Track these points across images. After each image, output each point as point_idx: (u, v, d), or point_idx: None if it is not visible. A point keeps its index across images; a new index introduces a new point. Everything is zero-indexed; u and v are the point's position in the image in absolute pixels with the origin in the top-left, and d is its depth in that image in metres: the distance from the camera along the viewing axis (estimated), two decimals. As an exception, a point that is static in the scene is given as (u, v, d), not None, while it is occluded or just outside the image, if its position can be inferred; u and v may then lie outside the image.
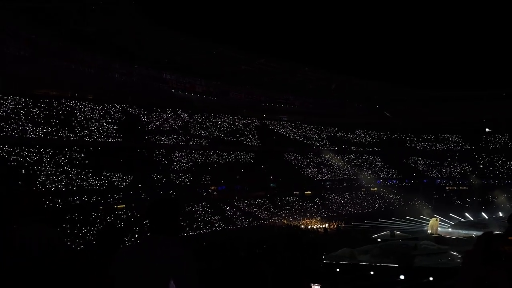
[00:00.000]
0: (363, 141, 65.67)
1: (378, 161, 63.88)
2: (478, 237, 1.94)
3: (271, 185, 52.26)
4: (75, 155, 37.93)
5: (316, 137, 62.39)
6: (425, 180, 61.29)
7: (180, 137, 47.75)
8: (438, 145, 65.00)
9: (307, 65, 54.43)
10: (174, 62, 47.90)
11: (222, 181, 47.69)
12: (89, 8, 36.37)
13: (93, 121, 41.50)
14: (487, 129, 64.42)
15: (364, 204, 54.45)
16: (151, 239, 3.01)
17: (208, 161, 48.60)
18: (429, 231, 38.35)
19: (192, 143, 48.49)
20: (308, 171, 56.33)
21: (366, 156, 64.00)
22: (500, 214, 47.92)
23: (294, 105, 62.20)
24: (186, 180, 44.18)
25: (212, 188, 46.78)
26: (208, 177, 46.52)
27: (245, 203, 46.65)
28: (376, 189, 58.64)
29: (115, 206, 37.21)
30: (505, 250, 1.83)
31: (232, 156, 51.30)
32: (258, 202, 47.69)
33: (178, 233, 3.20)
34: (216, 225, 40.37)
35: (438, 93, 63.20)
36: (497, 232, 1.91)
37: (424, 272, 21.33)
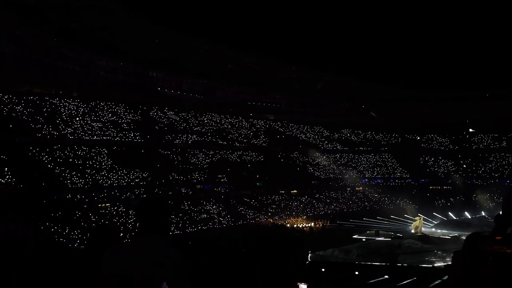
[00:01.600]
0: (349, 140, 66.20)
1: (363, 161, 64.41)
2: (466, 237, 1.97)
3: (257, 184, 52.29)
4: (59, 153, 37.51)
5: (303, 136, 62.65)
6: (409, 180, 61.98)
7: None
8: (423, 145, 65.81)
9: (295, 64, 54.48)
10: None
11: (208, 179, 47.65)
12: (74, 5, 35.95)
13: (79, 118, 41.12)
14: (470, 130, 65.41)
15: (349, 203, 54.84)
16: (143, 238, 3.00)
17: (194, 159, 48.45)
18: (412, 231, 38.80)
19: (178, 141, 48.31)
20: (295, 170, 56.49)
21: (351, 155, 64.47)
22: (483, 213, 48.72)
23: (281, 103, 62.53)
24: (171, 178, 43.98)
25: (199, 186, 46.64)
26: (195, 175, 46.43)
27: (231, 201, 46.58)
28: (361, 188, 59.13)
29: (100, 205, 36.84)
30: (494, 250, 1.85)
31: (218, 155, 51.19)
32: (244, 200, 47.67)
33: (167, 232, 3.19)
34: (202, 223, 40.23)
35: (425, 93, 63.91)
36: (485, 233, 1.93)
37: (407, 271, 21.59)
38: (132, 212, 34.35)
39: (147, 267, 2.75)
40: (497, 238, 1.85)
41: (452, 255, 2.03)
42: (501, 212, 1.97)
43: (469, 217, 47.94)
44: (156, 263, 2.78)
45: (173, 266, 2.79)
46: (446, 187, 60.39)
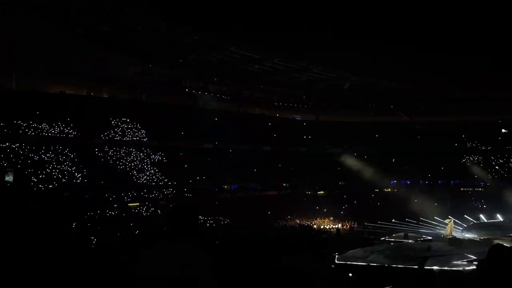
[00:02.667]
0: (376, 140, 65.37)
1: (391, 161, 63.42)
2: (489, 249, 2.03)
3: (283, 184, 52.35)
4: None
5: (329, 136, 62.25)
6: (440, 181, 60.70)
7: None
8: (455, 145, 64.30)
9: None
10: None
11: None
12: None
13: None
14: (503, 130, 63.55)
15: (378, 204, 54.11)
16: (175, 241, 3.15)
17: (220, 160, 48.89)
18: (444, 233, 38.07)
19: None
20: (322, 170, 56.15)
21: (379, 156, 63.60)
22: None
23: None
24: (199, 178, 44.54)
25: (225, 187, 47.11)
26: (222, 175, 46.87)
27: (258, 201, 46.79)
28: (389, 190, 58.29)
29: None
30: None
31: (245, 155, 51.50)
32: (270, 201, 47.78)
33: (197, 235, 3.35)
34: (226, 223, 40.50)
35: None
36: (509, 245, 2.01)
37: (436, 274, 21.22)
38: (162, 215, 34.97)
39: (179, 269, 2.90)
40: None
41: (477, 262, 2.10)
42: None
43: (501, 219, 46.60)
44: (187, 265, 2.93)
45: (203, 267, 2.94)
46: (478, 189, 58.91)
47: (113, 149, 42.10)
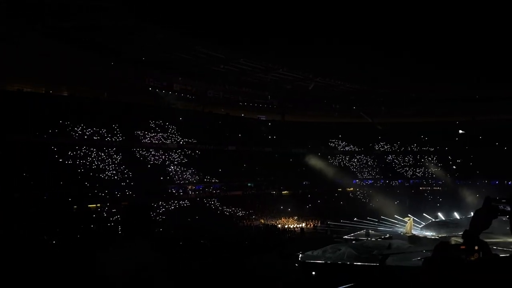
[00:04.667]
0: (340, 141, 66.64)
1: (354, 162, 64.87)
2: (435, 246, 2.09)
3: (248, 184, 52.45)
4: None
5: (294, 137, 62.87)
6: (400, 180, 62.52)
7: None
8: (414, 146, 66.36)
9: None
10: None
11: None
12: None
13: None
14: (460, 131, 66.06)
15: (340, 204, 55.11)
16: (128, 242, 3.07)
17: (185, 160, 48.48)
18: (404, 231, 39.10)
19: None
20: (286, 170, 56.66)
21: (342, 157, 65.00)
22: (472, 214, 49.02)
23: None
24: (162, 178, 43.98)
25: (190, 187, 46.72)
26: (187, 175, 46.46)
27: (223, 202, 46.70)
28: (352, 189, 59.54)
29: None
30: (466, 258, 2.01)
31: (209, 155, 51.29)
32: (235, 201, 47.79)
33: (151, 236, 3.28)
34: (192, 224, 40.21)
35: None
36: (455, 242, 2.08)
37: (396, 271, 21.75)
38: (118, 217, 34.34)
39: (132, 270, 2.82)
40: (462, 247, 2.02)
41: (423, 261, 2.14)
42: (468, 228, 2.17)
43: (458, 217, 48.38)
44: (140, 266, 2.85)
45: (157, 269, 2.87)
46: (436, 188, 61.02)
47: (73, 149, 40.87)
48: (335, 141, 66.50)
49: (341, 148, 66.40)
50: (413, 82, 54.97)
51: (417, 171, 63.63)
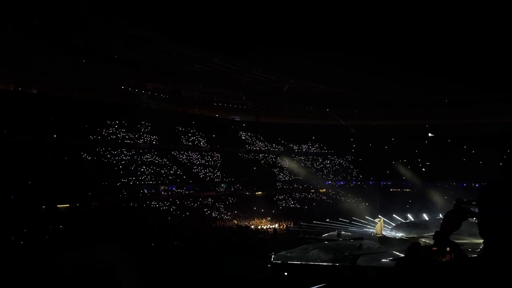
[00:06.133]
0: (313, 143, 67.24)
1: (327, 163, 65.58)
2: (407, 247, 2.14)
3: (222, 185, 52.29)
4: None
5: (268, 138, 63.09)
6: (371, 182, 63.53)
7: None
8: (385, 148, 67.52)
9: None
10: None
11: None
12: None
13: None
14: (429, 134, 67.74)
15: (313, 205, 55.60)
16: (97, 245, 3.03)
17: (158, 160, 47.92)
18: (374, 232, 39.71)
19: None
20: (259, 171, 56.79)
21: (315, 158, 65.63)
22: (440, 215, 50.32)
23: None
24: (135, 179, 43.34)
25: (163, 187, 46.21)
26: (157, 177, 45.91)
27: (196, 202, 46.39)
28: (324, 190, 60.15)
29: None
30: (438, 260, 2.07)
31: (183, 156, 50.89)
32: (208, 202, 47.56)
33: (121, 239, 3.24)
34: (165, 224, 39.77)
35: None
36: (425, 244, 2.15)
37: (367, 271, 22.10)
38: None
39: (101, 270, 2.79)
40: (434, 248, 2.07)
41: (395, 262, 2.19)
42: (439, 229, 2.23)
43: (427, 219, 49.48)
44: (109, 266, 2.82)
45: (125, 269, 2.85)
46: (405, 189, 62.30)
47: (41, 149, 39.74)
48: (308, 143, 67.09)
49: (314, 149, 67.14)
50: (385, 86, 56.11)
51: (388, 173, 64.77)
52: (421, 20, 44.59)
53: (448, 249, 2.07)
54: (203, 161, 52.77)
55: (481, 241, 2.07)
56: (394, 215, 48.80)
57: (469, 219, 2.22)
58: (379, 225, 39.47)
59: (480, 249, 2.01)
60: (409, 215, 51.02)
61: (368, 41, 47.85)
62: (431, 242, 2.22)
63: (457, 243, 2.14)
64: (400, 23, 45.93)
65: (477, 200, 2.10)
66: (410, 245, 2.11)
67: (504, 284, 1.80)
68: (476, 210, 2.10)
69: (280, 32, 45.15)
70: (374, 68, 51.26)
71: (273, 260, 27.45)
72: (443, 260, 2.03)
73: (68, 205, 36.22)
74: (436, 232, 2.21)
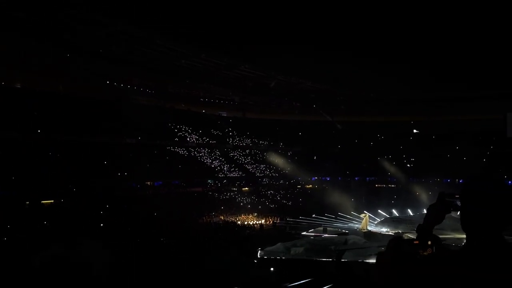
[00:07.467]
0: (299, 138, 67.45)
1: (313, 159, 65.82)
2: (389, 240, 2.17)
3: (208, 180, 52.21)
4: None
5: (255, 134, 63.11)
6: (356, 178, 64.01)
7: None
8: (370, 144, 68.09)
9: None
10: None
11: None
12: None
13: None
14: (414, 130, 68.47)
15: (299, 200, 55.85)
16: (77, 242, 3.03)
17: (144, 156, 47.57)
18: (360, 227, 40.08)
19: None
20: (246, 167, 56.86)
21: (301, 153, 65.80)
22: (424, 211, 50.86)
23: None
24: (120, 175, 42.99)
25: (148, 183, 45.96)
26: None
27: (183, 198, 46.22)
28: (311, 186, 60.42)
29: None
30: (413, 252, 2.09)
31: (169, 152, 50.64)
32: (195, 197, 47.44)
33: (103, 235, 3.24)
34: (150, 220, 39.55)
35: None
36: (408, 237, 2.17)
37: (352, 266, 22.23)
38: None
39: (79, 267, 2.79)
40: (415, 242, 2.10)
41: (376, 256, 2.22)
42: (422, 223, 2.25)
43: (412, 214, 50.08)
44: (87, 264, 2.83)
45: (104, 266, 2.86)
46: (390, 185, 62.91)
47: (28, 145, 39.17)
48: (295, 138, 67.26)
49: (300, 145, 67.32)
50: (372, 83, 56.47)
51: (373, 169, 65.29)
52: (407, 15, 44.91)
53: (429, 242, 2.09)
54: (190, 156, 52.56)
55: (464, 236, 2.10)
56: (379, 211, 49.27)
57: (452, 213, 2.25)
58: (365, 221, 39.84)
59: (463, 243, 2.01)
60: (394, 211, 51.54)
61: (355, 37, 48.05)
62: (415, 236, 2.24)
63: (439, 237, 2.16)
64: (388, 20, 46.22)
65: (460, 193, 2.13)
66: (392, 239, 2.13)
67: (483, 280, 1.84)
68: (459, 203, 2.13)
69: (268, 28, 45.04)
70: (361, 64, 51.43)
71: (260, 255, 27.58)
72: (425, 253, 2.05)
73: (52, 201, 35.82)
74: (419, 226, 2.23)
